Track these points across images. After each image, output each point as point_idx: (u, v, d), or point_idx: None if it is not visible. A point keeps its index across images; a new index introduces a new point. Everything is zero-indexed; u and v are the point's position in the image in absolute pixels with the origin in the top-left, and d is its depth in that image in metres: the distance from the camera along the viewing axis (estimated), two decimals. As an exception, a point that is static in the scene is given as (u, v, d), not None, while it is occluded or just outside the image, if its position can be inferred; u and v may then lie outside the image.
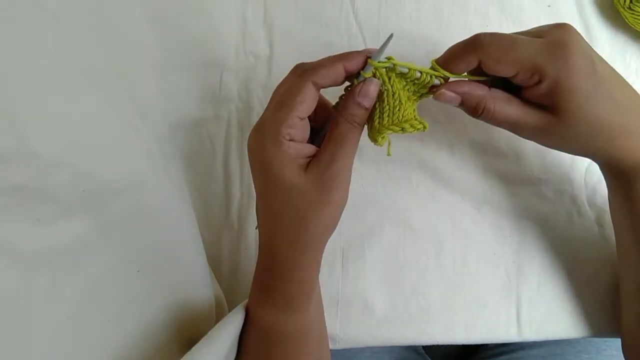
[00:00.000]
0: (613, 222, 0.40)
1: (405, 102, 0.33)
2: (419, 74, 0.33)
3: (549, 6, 0.48)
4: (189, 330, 0.38)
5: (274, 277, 0.34)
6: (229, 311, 0.38)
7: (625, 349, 0.41)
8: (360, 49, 0.33)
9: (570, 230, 0.45)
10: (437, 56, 0.35)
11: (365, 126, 0.34)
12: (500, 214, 0.46)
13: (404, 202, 0.46)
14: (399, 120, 0.32)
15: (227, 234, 0.47)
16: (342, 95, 0.35)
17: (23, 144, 0.26)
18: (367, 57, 0.32)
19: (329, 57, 0.33)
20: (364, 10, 0.48)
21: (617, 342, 0.42)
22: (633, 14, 0.45)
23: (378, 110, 0.33)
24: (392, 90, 0.32)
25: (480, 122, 0.36)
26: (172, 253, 0.37)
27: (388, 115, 0.32)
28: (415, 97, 0.35)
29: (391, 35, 0.32)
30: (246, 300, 0.37)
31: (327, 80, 0.32)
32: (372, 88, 0.32)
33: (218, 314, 0.42)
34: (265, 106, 0.34)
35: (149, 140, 0.36)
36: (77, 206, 0.30)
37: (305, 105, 0.31)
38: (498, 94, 0.34)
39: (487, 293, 0.45)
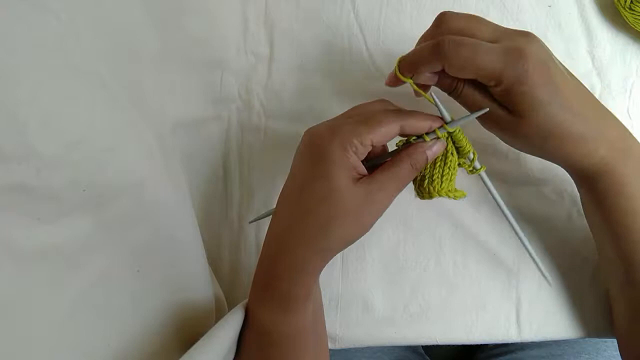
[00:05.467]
0: (589, 226, 0.41)
1: (455, 171, 0.37)
2: (471, 155, 0.37)
3: (549, 6, 0.48)
4: (189, 330, 0.39)
5: (275, 276, 0.34)
6: (229, 311, 0.38)
7: (620, 349, 0.41)
8: (438, 110, 0.35)
9: (570, 230, 0.45)
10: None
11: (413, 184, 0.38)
12: (500, 214, 0.46)
13: (405, 202, 0.46)
14: (451, 189, 0.37)
15: (227, 234, 0.47)
16: (405, 140, 0.37)
17: (24, 143, 0.26)
18: (443, 122, 0.35)
19: (419, 112, 0.35)
20: (365, 11, 0.48)
21: (616, 343, 0.42)
22: (633, 14, 0.45)
23: (437, 173, 0.36)
24: (453, 159, 0.36)
25: (480, 123, 0.37)
26: (172, 253, 0.37)
27: (444, 181, 0.36)
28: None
29: (480, 112, 0.35)
30: (246, 300, 0.38)
31: (412, 131, 0.34)
32: (439, 147, 0.35)
33: (218, 314, 0.42)
34: (336, 116, 0.36)
35: (149, 140, 0.36)
36: (78, 205, 0.30)
37: (383, 137, 0.33)
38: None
39: (487, 293, 0.45)
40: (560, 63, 0.36)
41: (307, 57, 0.48)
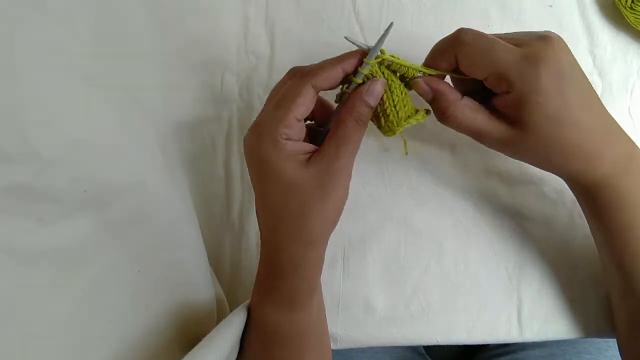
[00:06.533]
0: (591, 233, 0.41)
1: (406, 95, 0.34)
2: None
3: (550, 6, 0.48)
4: (190, 330, 0.38)
5: (277, 276, 0.34)
6: (230, 311, 0.38)
7: (620, 350, 0.41)
8: (356, 46, 0.34)
9: (571, 229, 0.45)
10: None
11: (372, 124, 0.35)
12: (501, 214, 0.46)
13: (405, 202, 0.46)
14: (411, 113, 0.34)
15: (228, 234, 0.47)
16: (339, 94, 0.35)
17: (25, 144, 0.26)
18: (362, 56, 0.33)
19: (327, 60, 0.33)
20: (365, 11, 0.48)
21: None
22: (634, 13, 0.45)
23: (388, 106, 0.34)
24: (396, 85, 0.34)
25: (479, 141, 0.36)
26: (173, 253, 0.37)
27: (399, 110, 0.34)
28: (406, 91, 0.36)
29: (389, 28, 0.33)
30: (248, 301, 0.38)
31: (327, 83, 0.33)
32: (379, 87, 0.33)
33: (219, 315, 0.42)
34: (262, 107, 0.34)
35: (150, 141, 0.36)
36: (79, 206, 0.30)
37: (304, 107, 0.32)
38: (468, 102, 0.34)
39: (488, 293, 0.45)
40: (578, 66, 0.34)
41: (307, 57, 0.48)
